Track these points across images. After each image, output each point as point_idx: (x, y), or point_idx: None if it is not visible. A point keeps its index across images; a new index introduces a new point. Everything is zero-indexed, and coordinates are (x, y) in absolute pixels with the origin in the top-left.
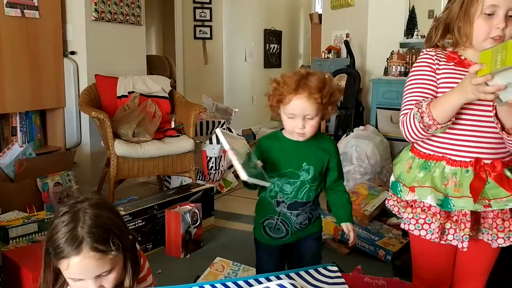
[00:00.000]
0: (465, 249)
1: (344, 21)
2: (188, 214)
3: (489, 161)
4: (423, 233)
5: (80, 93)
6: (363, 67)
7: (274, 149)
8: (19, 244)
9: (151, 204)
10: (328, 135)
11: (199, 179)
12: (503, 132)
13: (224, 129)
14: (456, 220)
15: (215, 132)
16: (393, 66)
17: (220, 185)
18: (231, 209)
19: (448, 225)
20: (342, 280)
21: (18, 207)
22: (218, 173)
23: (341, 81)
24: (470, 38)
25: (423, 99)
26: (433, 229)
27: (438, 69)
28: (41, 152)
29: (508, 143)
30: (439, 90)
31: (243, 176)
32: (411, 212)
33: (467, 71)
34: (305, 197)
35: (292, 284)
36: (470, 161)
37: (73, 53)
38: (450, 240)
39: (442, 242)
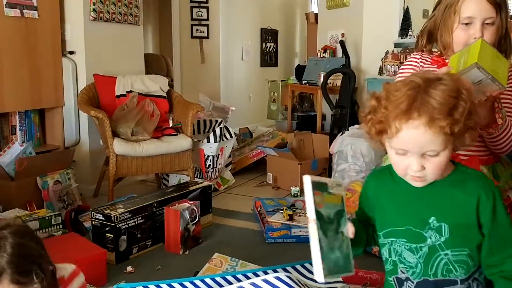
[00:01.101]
0: None
1: (339, 21)
2: (186, 211)
3: (466, 158)
4: None
5: (79, 92)
6: (358, 66)
7: (384, 193)
8: None
9: (150, 202)
10: (323, 134)
11: (197, 177)
12: (478, 130)
13: (313, 182)
14: None
15: (303, 181)
16: (388, 65)
17: (218, 183)
18: (228, 206)
19: None
20: None
21: (19, 205)
22: (216, 171)
23: (337, 80)
24: (451, 46)
25: None
26: None
27: (422, 71)
28: (40, 150)
29: (486, 140)
30: None
31: (319, 276)
32: None
33: None
34: (443, 273)
35: (288, 277)
36: None
37: (71, 52)
38: None
39: None
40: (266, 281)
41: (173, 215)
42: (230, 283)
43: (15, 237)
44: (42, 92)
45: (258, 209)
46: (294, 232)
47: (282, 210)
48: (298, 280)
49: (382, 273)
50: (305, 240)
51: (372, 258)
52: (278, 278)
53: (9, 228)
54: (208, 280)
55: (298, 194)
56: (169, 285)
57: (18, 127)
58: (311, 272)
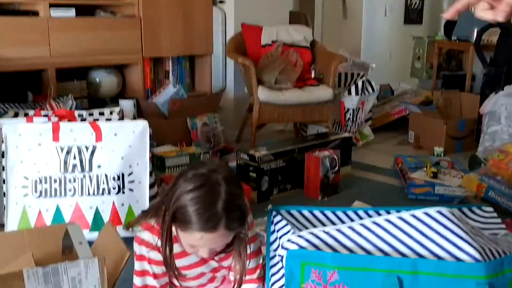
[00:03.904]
0: None
1: None
2: (327, 159)
3: None
4: None
5: (227, 40)
6: None
7: None
8: (173, 173)
9: (292, 147)
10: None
11: (335, 130)
12: None
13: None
14: None
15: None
16: None
17: (356, 137)
18: (367, 161)
19: None
20: (499, 220)
21: (170, 142)
22: (355, 125)
23: (492, 37)
24: None
25: None
26: None
27: None
28: (189, 96)
29: None
30: None
31: None
32: None
33: None
34: None
35: (451, 212)
36: None
37: (222, 2)
38: None
39: None
40: (427, 214)
41: (314, 161)
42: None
43: (229, 185)
44: (193, 39)
45: (399, 165)
46: (438, 190)
47: (426, 167)
48: (461, 217)
49: None
50: (449, 199)
51: None
52: (439, 213)
53: (221, 173)
54: (361, 213)
55: (442, 154)
56: (322, 212)
57: (171, 72)
58: (470, 218)
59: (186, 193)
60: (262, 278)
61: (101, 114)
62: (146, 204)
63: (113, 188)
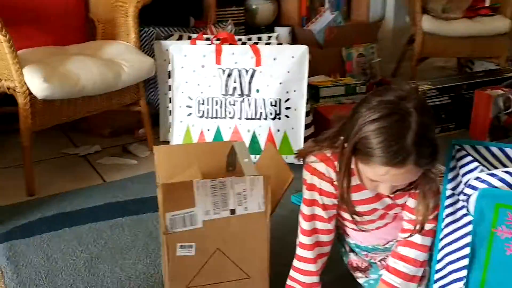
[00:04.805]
0: None
1: None
2: (500, 98)
3: None
4: None
5: None
6: None
7: None
8: (327, 103)
9: (460, 83)
10: None
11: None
12: None
13: None
14: None
15: None
16: None
17: None
18: None
19: None
20: None
21: (324, 72)
22: None
23: None
24: None
25: None
26: None
27: None
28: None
29: None
30: None
31: None
32: None
33: None
34: None
35: None
36: None
37: None
38: None
39: None
40: None
41: (485, 99)
42: None
43: (420, 114)
44: None
45: None
46: None
47: None
48: None
49: None
50: None
51: None
52: None
53: (411, 102)
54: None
55: None
56: (501, 149)
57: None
58: None
59: (370, 122)
60: (437, 219)
61: (259, 39)
62: (301, 132)
63: (270, 113)
